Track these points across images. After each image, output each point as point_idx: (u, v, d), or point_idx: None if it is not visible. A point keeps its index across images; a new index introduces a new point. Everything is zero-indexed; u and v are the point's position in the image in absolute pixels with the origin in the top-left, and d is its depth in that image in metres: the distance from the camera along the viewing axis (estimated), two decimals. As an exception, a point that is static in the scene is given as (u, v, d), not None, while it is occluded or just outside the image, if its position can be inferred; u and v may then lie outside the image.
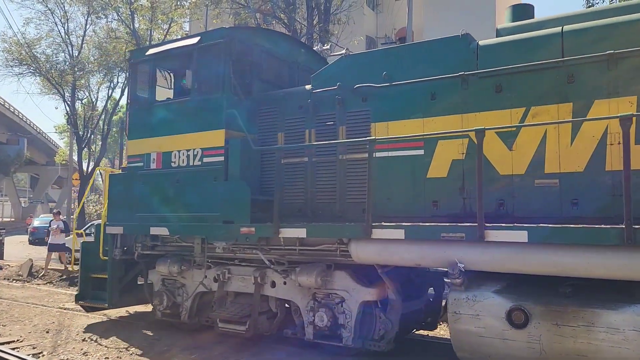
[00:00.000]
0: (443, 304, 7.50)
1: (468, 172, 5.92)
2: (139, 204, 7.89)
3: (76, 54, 29.42)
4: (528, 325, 4.95)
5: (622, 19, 5.31)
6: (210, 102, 7.28)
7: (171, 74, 8.64)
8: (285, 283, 6.96)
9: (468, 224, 5.34)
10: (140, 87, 8.17)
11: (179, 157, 7.55)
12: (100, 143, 33.71)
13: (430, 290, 7.58)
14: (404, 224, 5.73)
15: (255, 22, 18.81)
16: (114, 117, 34.06)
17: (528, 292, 5.12)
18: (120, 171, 8.70)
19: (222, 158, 7.10)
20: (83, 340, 7.64)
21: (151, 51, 8.01)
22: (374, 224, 5.86)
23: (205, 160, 7.27)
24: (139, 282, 8.99)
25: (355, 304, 6.40)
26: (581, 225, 4.81)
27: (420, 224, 5.67)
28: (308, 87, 7.32)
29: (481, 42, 6.05)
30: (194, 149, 7.40)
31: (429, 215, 6.10)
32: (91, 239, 18.06)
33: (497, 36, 6.28)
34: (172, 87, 8.63)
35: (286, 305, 7.19)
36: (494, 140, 5.78)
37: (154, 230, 7.73)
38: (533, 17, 6.62)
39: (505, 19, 6.71)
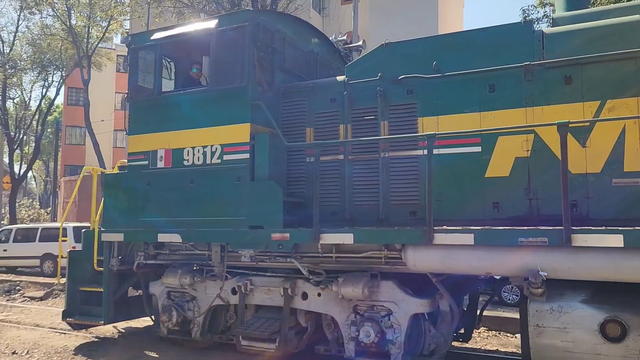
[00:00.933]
0: (478, 312, 7.06)
1: (535, 171, 5.44)
2: (144, 207, 6.95)
3: (7, 51, 27.64)
4: (626, 338, 4.50)
5: None
6: (232, 93, 6.48)
7: (171, 62, 7.74)
8: (319, 295, 6.25)
9: (550, 228, 4.83)
10: (143, 76, 7.24)
11: (193, 154, 6.69)
12: (33, 144, 31.80)
13: (464, 298, 7.07)
14: (472, 227, 5.16)
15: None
16: (49, 118, 32.20)
17: (624, 302, 4.66)
18: (116, 170, 7.71)
19: (247, 155, 6.31)
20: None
21: (157, 35, 7.09)
22: (436, 228, 5.26)
23: (226, 157, 6.45)
24: (128, 295, 8.03)
25: (405, 317, 5.77)
26: None
27: (494, 227, 5.12)
28: (340, 78, 6.66)
29: (546, 30, 5.59)
30: (211, 146, 6.57)
31: (488, 218, 5.57)
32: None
33: (553, 25, 5.84)
34: (173, 76, 7.73)
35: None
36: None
37: (163, 237, 6.82)
38: (587, 7, 6.25)
39: (557, 8, 6.29)
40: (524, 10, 16.03)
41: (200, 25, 6.82)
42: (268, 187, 6.17)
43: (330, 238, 5.81)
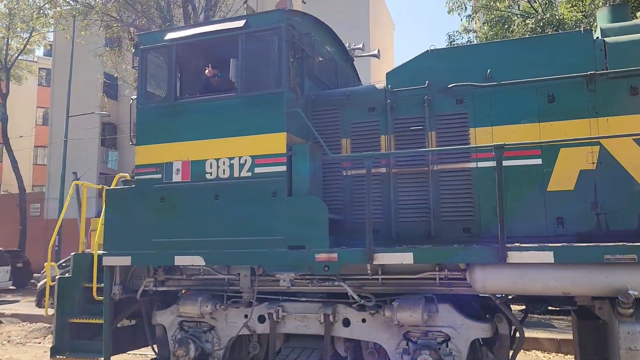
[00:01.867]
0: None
1: (602, 184, 5.20)
2: (156, 227, 6.14)
3: None
4: None
5: None
6: (265, 99, 5.87)
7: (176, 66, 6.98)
8: (364, 320, 5.69)
9: (638, 244, 4.57)
10: (154, 80, 6.47)
11: (218, 166, 5.99)
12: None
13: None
14: (551, 245, 4.82)
15: (129, 37, 18.19)
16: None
17: None
18: (119, 185, 6.85)
19: (283, 168, 5.70)
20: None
21: (172, 35, 6.36)
22: (509, 246, 4.88)
23: (258, 170, 5.81)
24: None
25: (465, 343, 5.33)
26: None
27: (575, 244, 4.80)
28: (380, 85, 6.23)
29: (608, 40, 5.41)
30: (239, 157, 5.91)
31: (552, 235, 5.28)
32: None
33: (603, 36, 5.68)
34: (178, 81, 6.99)
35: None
36: (631, 147, 5.14)
37: (181, 260, 6.03)
38: (629, 18, 6.18)
39: (600, 20, 6.17)
40: (449, 35, 16.48)
41: (225, 25, 6.18)
42: (311, 203, 5.58)
43: (385, 258, 5.29)
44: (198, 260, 5.94)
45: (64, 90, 25.01)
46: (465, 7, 15.59)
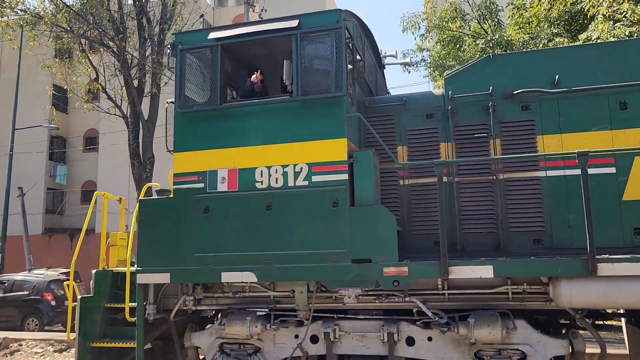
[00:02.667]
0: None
1: (678, 193, 5.07)
2: (199, 240, 5.64)
3: None
4: None
5: None
6: (323, 104, 5.50)
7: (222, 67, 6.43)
8: (430, 339, 5.34)
9: None
10: (194, 82, 6.00)
11: (269, 175, 5.57)
12: None
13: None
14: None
15: (80, 49, 18.08)
16: None
17: None
18: (151, 195, 6.31)
19: (345, 176, 5.34)
20: None
21: (216, 35, 5.93)
22: (599, 257, 4.66)
23: (316, 179, 5.42)
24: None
25: (543, 361, 5.06)
26: None
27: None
28: (438, 92, 5.98)
29: (679, 46, 5.34)
30: (295, 165, 5.51)
31: (629, 245, 5.10)
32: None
33: None
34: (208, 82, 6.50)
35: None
36: None
37: (229, 277, 5.54)
38: None
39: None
40: (404, 53, 16.67)
41: (277, 25, 5.80)
42: (378, 213, 5.22)
43: (462, 272, 4.97)
44: (249, 277, 5.47)
45: (10, 102, 24.09)
46: (419, 27, 15.96)
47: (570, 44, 5.96)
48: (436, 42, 16.69)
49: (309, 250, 5.32)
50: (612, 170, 5.25)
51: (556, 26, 11.95)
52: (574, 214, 5.27)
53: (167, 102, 6.26)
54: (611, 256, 4.68)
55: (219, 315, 6.05)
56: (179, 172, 5.87)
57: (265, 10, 19.77)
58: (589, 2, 10.29)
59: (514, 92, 5.57)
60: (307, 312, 5.54)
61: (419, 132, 5.85)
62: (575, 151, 4.89)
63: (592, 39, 9.65)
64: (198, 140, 5.86)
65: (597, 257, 4.65)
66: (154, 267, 5.77)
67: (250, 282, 5.63)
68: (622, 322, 7.05)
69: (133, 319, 5.93)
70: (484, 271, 4.92)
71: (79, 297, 6.23)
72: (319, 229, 5.33)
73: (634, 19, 9.61)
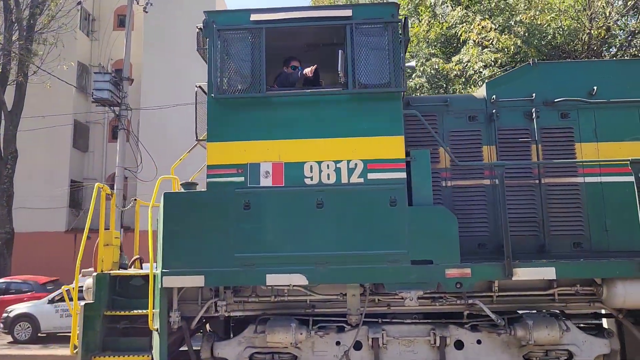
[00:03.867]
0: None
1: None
2: (239, 239, 5.13)
3: None
4: None
5: None
6: (380, 98, 5.29)
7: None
8: (479, 342, 5.31)
9: None
10: (231, 66, 5.47)
11: (320, 170, 5.22)
12: None
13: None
14: (696, 257, 4.97)
15: None
16: None
17: None
18: (179, 189, 5.63)
19: (403, 175, 5.16)
20: None
21: (260, 17, 5.45)
22: (653, 259, 4.93)
23: (371, 176, 5.18)
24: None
25: (588, 360, 5.23)
26: None
27: None
28: (480, 95, 6.01)
29: (697, 67, 5.85)
30: (349, 161, 5.22)
31: (653, 250, 5.46)
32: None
33: None
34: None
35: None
36: None
37: (275, 279, 5.08)
38: None
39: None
40: None
41: (328, 12, 5.49)
42: (440, 214, 5.11)
43: (526, 273, 5.01)
44: (299, 279, 5.07)
45: None
46: None
47: (605, 59, 6.35)
48: None
49: (366, 250, 5.06)
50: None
51: (433, 47, 12.93)
52: (610, 218, 5.55)
53: (197, 86, 5.66)
54: (662, 258, 4.97)
55: (251, 322, 5.51)
56: (215, 163, 5.31)
57: (151, 4, 18.78)
58: (462, 28, 11.51)
59: (555, 100, 5.76)
60: (359, 317, 5.24)
61: (462, 134, 5.83)
62: (629, 159, 5.15)
63: (464, 61, 10.85)
64: (237, 129, 5.36)
65: (651, 258, 4.91)
66: (183, 268, 5.15)
67: (299, 285, 5.20)
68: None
69: (156, 328, 5.21)
70: (547, 273, 5.01)
71: (82, 304, 5.37)
72: (376, 229, 5.08)
73: (498, 46, 11.06)
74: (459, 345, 5.32)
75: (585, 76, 5.85)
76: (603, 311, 5.92)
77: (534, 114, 5.73)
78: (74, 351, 5.33)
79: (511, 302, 5.39)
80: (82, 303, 5.41)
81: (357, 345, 5.38)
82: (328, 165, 5.23)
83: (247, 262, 5.10)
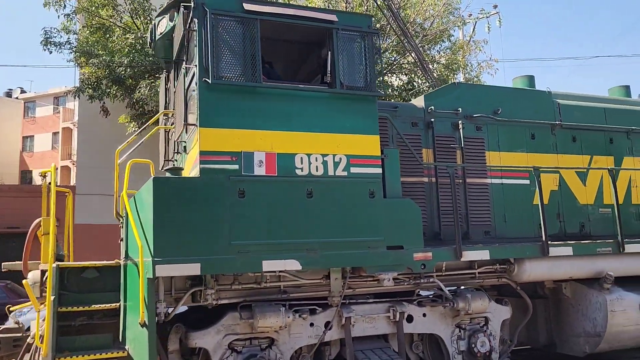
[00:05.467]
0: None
1: (561, 201, 7.42)
2: (235, 227, 5.13)
3: None
4: (651, 311, 6.96)
5: (632, 108, 8.28)
6: (360, 100, 5.83)
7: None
8: (424, 315, 6.27)
9: (610, 240, 6.91)
10: (222, 52, 5.36)
11: (309, 162, 5.54)
12: None
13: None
14: (569, 242, 6.69)
15: None
16: None
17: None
18: (166, 174, 5.22)
19: (379, 170, 5.82)
20: None
21: (254, 7, 5.45)
22: (553, 243, 6.52)
23: (354, 170, 5.71)
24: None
25: (498, 325, 6.61)
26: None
27: (582, 242, 6.80)
28: (419, 105, 6.98)
29: (559, 101, 7.75)
30: (334, 155, 5.65)
31: (534, 236, 7.15)
32: None
33: (554, 97, 7.95)
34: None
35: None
36: (574, 177, 7.57)
37: (271, 265, 5.21)
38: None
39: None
40: (45, 30, 15.80)
41: (317, 14, 5.78)
42: (407, 205, 5.89)
43: (470, 255, 6.14)
44: (292, 265, 5.32)
45: None
46: (65, 5, 15.02)
47: (504, 86, 7.85)
48: (83, 26, 16.01)
49: (350, 237, 5.56)
50: (527, 182, 7.25)
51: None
52: (508, 212, 7.06)
53: (184, 68, 5.39)
54: (553, 242, 6.59)
55: (230, 310, 5.49)
56: (208, 149, 5.20)
57: None
58: None
59: (473, 115, 7.06)
60: (339, 298, 5.71)
61: (407, 137, 6.71)
62: (531, 166, 6.68)
63: None
64: (231, 116, 5.33)
65: (550, 242, 6.49)
66: (177, 256, 4.94)
67: (292, 270, 5.43)
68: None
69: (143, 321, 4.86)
70: (484, 254, 6.22)
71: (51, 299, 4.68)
72: (358, 218, 5.63)
73: None
74: (410, 319, 6.19)
75: (493, 98, 7.29)
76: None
77: (460, 125, 6.93)
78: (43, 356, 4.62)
79: (448, 281, 6.46)
80: (52, 299, 4.72)
81: (328, 326, 5.82)
82: (316, 158, 5.58)
83: (243, 249, 5.14)
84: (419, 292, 6.37)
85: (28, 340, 5.40)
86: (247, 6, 5.50)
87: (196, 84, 5.29)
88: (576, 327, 7.10)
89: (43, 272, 5.28)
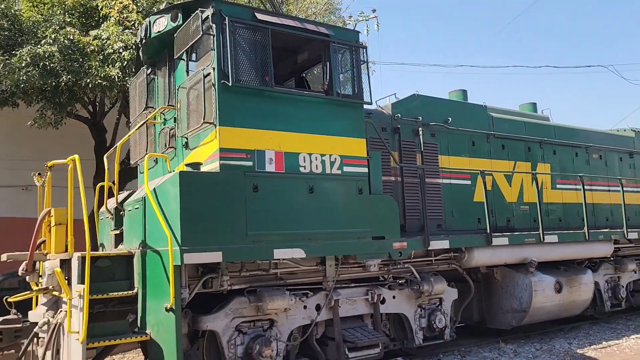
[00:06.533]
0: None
1: (492, 199, 8.76)
2: (251, 218, 5.62)
3: None
4: (562, 290, 8.53)
5: (543, 122, 9.92)
6: (352, 106, 6.57)
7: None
8: (394, 297, 7.18)
9: (534, 232, 8.36)
10: (241, 57, 5.78)
11: (311, 161, 6.16)
12: None
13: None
14: (506, 233, 8.01)
15: None
16: None
17: (561, 271, 8.66)
18: (189, 169, 5.48)
19: (366, 170, 6.61)
20: None
21: (265, 17, 5.89)
22: (493, 234, 7.78)
23: (346, 169, 6.43)
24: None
25: (449, 304, 7.73)
26: (564, 232, 8.92)
27: (515, 233, 8.14)
28: (387, 112, 7.85)
29: (492, 114, 9.10)
30: (330, 155, 6.33)
31: (475, 229, 8.43)
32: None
33: (488, 111, 9.30)
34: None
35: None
36: (503, 179, 8.98)
37: (281, 253, 5.76)
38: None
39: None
40: None
41: (313, 26, 6.39)
42: (388, 200, 6.75)
43: (435, 244, 7.16)
44: (298, 253, 5.93)
45: None
46: None
47: (455, 100, 8.91)
48: None
49: (344, 229, 6.29)
50: (469, 182, 8.48)
51: (70, 15, 11.49)
52: (454, 208, 8.23)
53: (202, 70, 5.72)
54: (494, 233, 7.85)
55: (236, 295, 5.93)
56: (227, 147, 5.63)
57: None
58: (103, 2, 10.67)
59: (430, 123, 8.11)
60: (332, 282, 6.40)
61: (377, 141, 7.56)
62: (479, 169, 7.89)
63: (103, 38, 10.27)
64: (246, 117, 5.80)
65: (493, 234, 7.74)
66: (202, 245, 5.32)
67: (298, 258, 6.02)
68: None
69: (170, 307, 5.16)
70: (445, 244, 7.28)
71: (84, 286, 4.83)
72: (350, 212, 6.37)
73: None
74: (383, 301, 7.06)
75: (445, 109, 8.41)
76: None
77: (420, 132, 7.94)
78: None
79: (423, 266, 7.43)
80: (83, 286, 4.86)
81: (318, 308, 6.49)
82: (316, 157, 6.22)
83: (257, 239, 5.65)
84: (386, 277, 7.23)
85: (36, 329, 5.41)
86: (259, 16, 5.99)
87: (213, 85, 5.68)
88: (504, 305, 8.47)
89: (62, 262, 5.32)
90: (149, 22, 6.77)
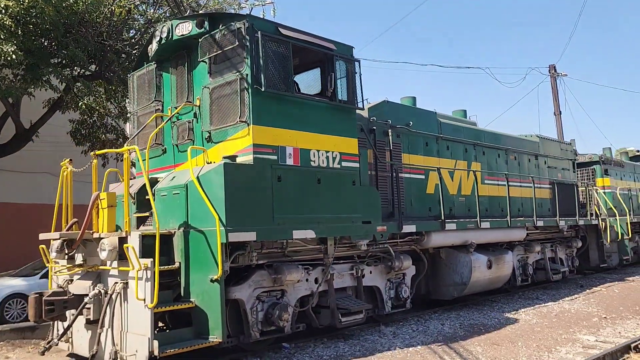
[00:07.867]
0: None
1: (440, 191, 10.43)
2: (276, 204, 6.67)
3: None
4: (492, 267, 10.45)
5: (475, 127, 11.79)
6: (348, 111, 7.79)
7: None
8: (371, 272, 8.56)
9: (473, 219, 10.17)
10: (273, 68, 6.77)
11: (318, 156, 7.32)
12: None
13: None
14: (454, 219, 9.70)
15: None
16: None
17: (487, 252, 10.55)
18: (227, 160, 6.32)
19: (357, 164, 7.88)
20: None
21: (289, 33, 6.91)
22: (445, 220, 9.43)
23: (344, 164, 7.66)
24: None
25: (409, 278, 9.27)
26: (495, 219, 10.87)
27: (461, 219, 9.86)
28: (364, 114, 9.15)
29: (440, 119, 10.76)
30: (332, 152, 7.52)
31: (427, 216, 10.05)
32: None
33: (437, 117, 10.94)
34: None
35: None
36: (447, 175, 10.71)
37: (298, 234, 6.86)
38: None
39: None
40: None
41: (320, 41, 7.50)
42: (373, 191, 8.09)
43: (407, 228, 8.62)
44: (310, 234, 7.08)
45: None
46: None
47: (411, 106, 10.39)
48: None
49: (343, 214, 7.53)
50: (423, 177, 10.07)
51: None
52: (412, 197, 9.77)
53: (238, 74, 6.61)
54: (446, 220, 9.50)
55: (258, 269, 6.91)
56: (259, 143, 6.63)
57: None
58: None
59: (397, 126, 9.55)
60: (331, 259, 7.61)
61: (364, 140, 8.83)
62: (437, 166, 9.49)
63: None
64: (271, 117, 6.83)
65: (446, 220, 9.38)
66: (242, 226, 6.29)
67: (310, 238, 7.15)
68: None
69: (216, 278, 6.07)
70: (412, 228, 8.76)
71: (152, 260, 5.61)
72: (346, 200, 7.62)
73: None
74: (363, 275, 8.40)
75: (407, 114, 9.89)
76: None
77: (389, 133, 9.35)
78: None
79: (392, 246, 8.83)
80: (148, 260, 5.63)
81: (317, 280, 7.67)
82: (323, 153, 7.38)
83: (281, 222, 6.72)
84: (367, 255, 8.55)
85: (87, 300, 6.03)
86: (283, 31, 7.01)
87: (246, 89, 6.63)
88: (447, 280, 10.21)
89: (120, 239, 5.97)
90: (171, 25, 7.46)
